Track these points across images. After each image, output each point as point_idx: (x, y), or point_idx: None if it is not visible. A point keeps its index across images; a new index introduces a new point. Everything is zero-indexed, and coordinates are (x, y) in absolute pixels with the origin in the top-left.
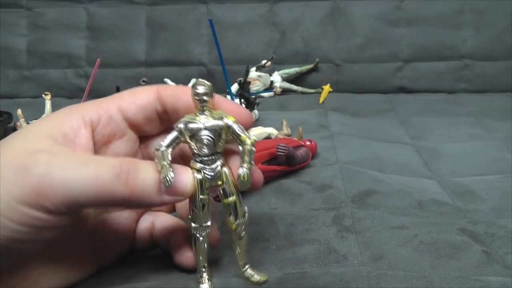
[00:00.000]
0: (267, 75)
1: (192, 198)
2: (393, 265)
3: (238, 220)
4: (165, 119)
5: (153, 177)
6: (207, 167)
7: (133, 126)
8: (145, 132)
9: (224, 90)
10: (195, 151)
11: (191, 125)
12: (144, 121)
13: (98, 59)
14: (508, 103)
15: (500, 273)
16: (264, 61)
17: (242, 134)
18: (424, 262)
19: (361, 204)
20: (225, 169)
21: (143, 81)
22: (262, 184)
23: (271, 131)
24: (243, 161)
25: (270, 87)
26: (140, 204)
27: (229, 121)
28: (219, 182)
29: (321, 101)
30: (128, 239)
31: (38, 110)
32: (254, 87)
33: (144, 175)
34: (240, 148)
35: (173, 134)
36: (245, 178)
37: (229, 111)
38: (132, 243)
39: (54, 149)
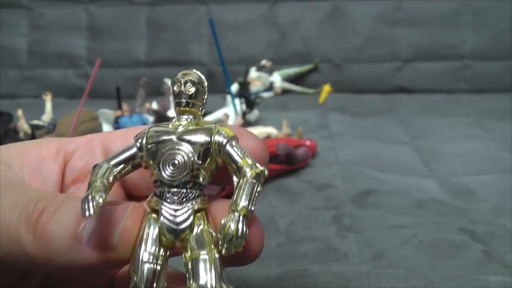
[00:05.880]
0: (267, 75)
1: (134, 255)
2: (393, 264)
3: None
4: None
5: (73, 217)
6: (169, 205)
7: (122, 176)
8: (129, 183)
9: (224, 90)
10: (156, 176)
11: (156, 135)
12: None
13: (98, 59)
14: (508, 103)
15: (500, 272)
16: (264, 61)
17: (239, 159)
18: (424, 261)
19: (361, 204)
20: (200, 222)
21: (143, 81)
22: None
23: (271, 130)
24: (235, 203)
25: (270, 87)
26: (51, 262)
27: (221, 135)
28: (183, 235)
29: (321, 101)
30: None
31: (38, 110)
32: (254, 87)
33: (60, 216)
34: (235, 180)
35: (130, 148)
36: (234, 232)
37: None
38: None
39: None
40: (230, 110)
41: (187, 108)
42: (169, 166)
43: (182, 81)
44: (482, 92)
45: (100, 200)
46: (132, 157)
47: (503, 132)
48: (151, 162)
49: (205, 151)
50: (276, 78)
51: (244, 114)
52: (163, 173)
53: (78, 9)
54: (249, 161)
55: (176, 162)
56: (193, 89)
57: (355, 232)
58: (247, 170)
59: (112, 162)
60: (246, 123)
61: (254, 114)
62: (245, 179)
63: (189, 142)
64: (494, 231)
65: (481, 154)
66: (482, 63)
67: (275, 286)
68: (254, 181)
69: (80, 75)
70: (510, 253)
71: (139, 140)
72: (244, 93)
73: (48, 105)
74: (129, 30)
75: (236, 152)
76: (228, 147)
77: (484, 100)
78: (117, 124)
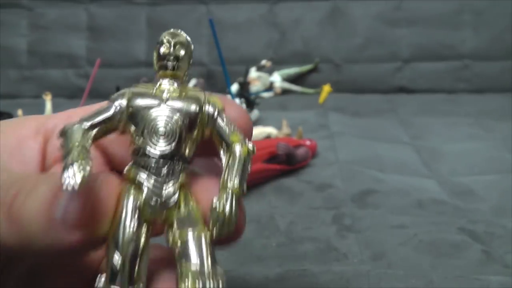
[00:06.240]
0: (267, 75)
1: (114, 233)
2: (393, 264)
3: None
4: None
5: (46, 196)
6: (154, 177)
7: (96, 142)
8: (113, 157)
9: (224, 90)
10: (138, 143)
11: (140, 99)
12: (109, 137)
13: (98, 59)
14: (507, 103)
15: (500, 272)
16: (263, 61)
17: (229, 133)
18: (423, 261)
19: (361, 203)
20: (187, 198)
21: (143, 81)
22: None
23: (271, 130)
24: (227, 182)
25: (270, 87)
26: (28, 248)
27: (211, 106)
28: (169, 211)
29: (321, 101)
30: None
31: (38, 110)
32: (254, 87)
33: (34, 197)
34: (223, 157)
35: (107, 109)
36: (227, 214)
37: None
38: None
39: None
40: None
41: (173, 72)
42: (155, 134)
43: (172, 42)
44: (482, 92)
45: (88, 168)
46: (108, 119)
47: (503, 132)
48: (132, 128)
49: (193, 120)
50: (276, 78)
51: None
52: (148, 142)
53: (78, 9)
54: (240, 137)
55: (164, 130)
56: (182, 52)
57: (355, 232)
58: (238, 146)
59: (86, 124)
60: None
61: (254, 114)
62: (236, 156)
63: (177, 109)
64: (494, 231)
65: (481, 154)
66: (482, 63)
67: (275, 286)
68: (245, 159)
69: (80, 75)
70: (510, 253)
71: (118, 101)
72: (244, 93)
73: (48, 105)
74: (129, 30)
75: (226, 125)
76: (218, 119)
77: (484, 100)
78: None
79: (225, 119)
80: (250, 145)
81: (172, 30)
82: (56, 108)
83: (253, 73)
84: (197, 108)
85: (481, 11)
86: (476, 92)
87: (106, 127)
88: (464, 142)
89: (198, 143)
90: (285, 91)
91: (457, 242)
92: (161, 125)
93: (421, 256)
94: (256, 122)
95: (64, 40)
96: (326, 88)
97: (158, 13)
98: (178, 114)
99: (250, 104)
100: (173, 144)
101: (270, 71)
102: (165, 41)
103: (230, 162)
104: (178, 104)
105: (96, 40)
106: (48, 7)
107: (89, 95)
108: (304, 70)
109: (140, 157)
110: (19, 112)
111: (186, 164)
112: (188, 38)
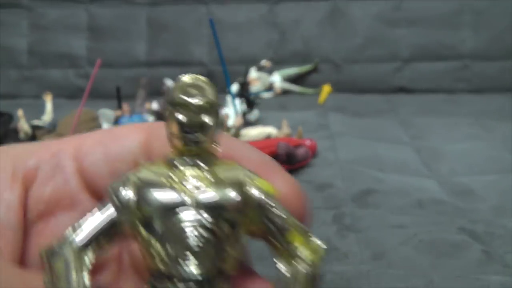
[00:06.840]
0: (267, 75)
1: None
2: (393, 263)
3: None
4: None
5: None
6: None
7: (93, 189)
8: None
9: (224, 90)
10: (157, 262)
11: (152, 192)
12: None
13: (98, 60)
14: (507, 103)
15: (500, 272)
16: (263, 61)
17: (289, 234)
18: (424, 261)
19: (361, 203)
20: None
21: (144, 81)
22: None
23: (271, 130)
24: None
25: (270, 87)
26: None
27: (258, 193)
28: None
29: (321, 101)
30: None
31: (39, 110)
32: (254, 87)
33: None
34: (283, 268)
35: (105, 212)
36: None
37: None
38: None
39: None
40: (230, 110)
41: (198, 148)
42: (184, 252)
43: (194, 105)
44: (482, 92)
45: None
46: (110, 227)
47: (503, 132)
48: (144, 233)
49: (234, 220)
50: (276, 78)
51: (244, 114)
52: (174, 262)
53: (78, 9)
54: (304, 236)
55: (196, 247)
56: (209, 118)
57: (355, 231)
58: (303, 252)
59: (79, 240)
60: (246, 123)
61: (254, 114)
62: (302, 268)
63: (211, 207)
64: (494, 231)
65: (481, 154)
66: (482, 63)
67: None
68: (318, 270)
69: (80, 75)
70: (510, 253)
71: (121, 194)
72: (244, 93)
73: (49, 105)
74: (129, 30)
75: (283, 221)
76: (269, 210)
77: (484, 100)
78: (117, 124)
79: (278, 210)
80: (323, 247)
81: (189, 79)
82: (56, 108)
83: (253, 73)
84: (238, 198)
85: (481, 11)
86: (476, 92)
87: (109, 238)
88: (464, 142)
89: (242, 249)
90: (285, 91)
91: (457, 242)
92: (191, 239)
93: (421, 256)
94: (256, 122)
95: (64, 40)
96: (326, 88)
97: (158, 13)
98: (213, 217)
99: (250, 104)
100: (210, 264)
101: (270, 71)
102: (182, 102)
103: (296, 277)
104: (210, 196)
105: (96, 40)
106: (48, 7)
107: (90, 95)
108: (304, 70)
109: (161, 283)
110: (20, 112)
111: (228, 283)
112: (214, 91)
